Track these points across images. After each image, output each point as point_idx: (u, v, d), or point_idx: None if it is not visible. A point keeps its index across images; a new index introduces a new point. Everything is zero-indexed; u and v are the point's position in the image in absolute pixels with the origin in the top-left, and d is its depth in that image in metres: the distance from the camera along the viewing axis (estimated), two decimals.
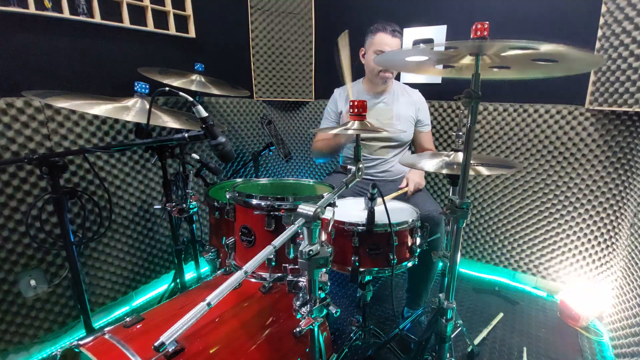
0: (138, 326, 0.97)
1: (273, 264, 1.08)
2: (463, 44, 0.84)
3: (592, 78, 1.72)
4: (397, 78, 2.20)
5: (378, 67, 1.78)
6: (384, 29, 1.73)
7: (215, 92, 1.82)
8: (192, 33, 2.04)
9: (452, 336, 1.19)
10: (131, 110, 1.30)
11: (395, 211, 1.40)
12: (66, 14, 1.51)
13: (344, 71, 1.63)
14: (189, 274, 2.07)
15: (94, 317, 1.78)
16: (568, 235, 1.99)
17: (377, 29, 1.75)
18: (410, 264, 1.33)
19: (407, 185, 1.72)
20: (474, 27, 0.88)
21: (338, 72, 1.61)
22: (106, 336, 0.90)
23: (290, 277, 0.88)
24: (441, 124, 2.23)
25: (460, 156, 1.19)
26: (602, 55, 1.65)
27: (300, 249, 0.80)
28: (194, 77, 1.82)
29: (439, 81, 2.18)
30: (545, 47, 0.76)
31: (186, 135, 1.12)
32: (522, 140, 2.01)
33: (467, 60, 1.02)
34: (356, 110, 1.01)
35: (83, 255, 1.70)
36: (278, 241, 0.76)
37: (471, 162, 1.05)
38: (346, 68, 1.64)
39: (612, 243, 1.87)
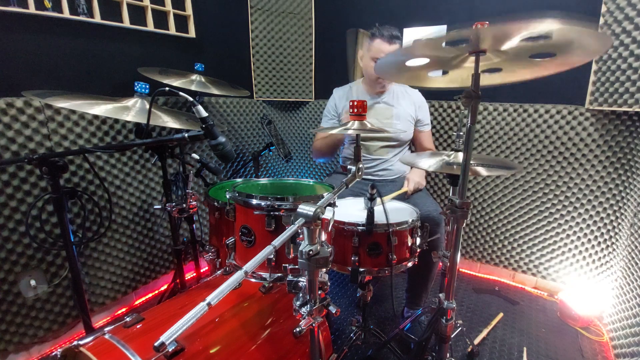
0: (138, 326, 0.97)
1: (273, 264, 1.08)
2: (464, 31, 0.82)
3: (592, 78, 1.72)
4: None
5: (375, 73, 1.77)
6: (381, 35, 1.69)
7: (215, 92, 1.82)
8: (192, 33, 2.04)
9: (452, 336, 1.19)
10: (131, 110, 1.30)
11: (395, 211, 1.40)
12: (66, 14, 1.51)
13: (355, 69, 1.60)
14: (189, 274, 2.07)
15: (94, 317, 1.78)
16: (568, 235, 1.99)
17: (375, 35, 1.72)
18: (410, 264, 1.33)
19: (407, 186, 1.72)
20: (474, 27, 0.88)
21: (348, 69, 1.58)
22: (106, 336, 0.90)
23: (290, 277, 0.88)
24: (441, 124, 2.23)
25: (460, 156, 1.19)
26: (605, 31, 1.60)
27: (300, 249, 0.80)
28: (194, 77, 1.82)
29: None
30: (548, 24, 0.72)
31: (186, 135, 1.12)
32: (522, 140, 2.01)
33: (467, 63, 1.02)
34: (356, 110, 1.01)
35: (83, 255, 1.70)
36: (278, 241, 0.76)
37: (471, 162, 1.05)
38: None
39: (612, 243, 1.87)
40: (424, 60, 1.01)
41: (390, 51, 1.70)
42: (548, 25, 0.73)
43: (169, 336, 0.60)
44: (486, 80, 1.11)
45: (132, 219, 1.88)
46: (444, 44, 0.90)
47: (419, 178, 1.77)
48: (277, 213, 1.04)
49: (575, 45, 0.83)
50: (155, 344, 0.60)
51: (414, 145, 2.04)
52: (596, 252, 1.93)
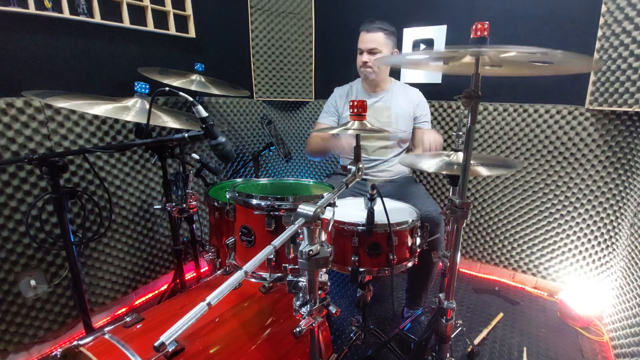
0: (138, 326, 0.97)
1: (273, 264, 1.08)
2: (462, 51, 0.83)
3: (592, 78, 1.72)
4: (397, 77, 2.20)
5: (359, 62, 1.82)
6: (362, 27, 1.80)
7: (215, 92, 1.82)
8: (192, 33, 2.04)
9: (452, 336, 1.19)
10: (131, 110, 1.30)
11: (395, 211, 1.40)
12: (66, 14, 1.51)
13: None
14: (189, 274, 2.07)
15: (93, 317, 1.78)
16: (568, 235, 1.99)
17: (360, 29, 1.82)
18: (410, 264, 1.33)
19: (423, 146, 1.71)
20: (474, 27, 0.88)
21: None
22: (106, 336, 0.90)
23: (290, 277, 0.88)
24: (441, 124, 2.23)
25: (460, 156, 1.19)
26: (598, 59, 1.65)
27: (300, 249, 0.80)
28: (194, 77, 1.82)
29: (439, 81, 2.18)
30: (543, 54, 0.75)
31: (186, 135, 1.12)
32: (522, 140, 2.01)
33: (467, 59, 1.02)
34: (356, 110, 1.01)
35: (83, 255, 1.70)
36: (278, 241, 0.76)
37: (471, 162, 1.05)
38: None
39: (612, 243, 1.87)
40: (424, 56, 1.01)
41: (367, 39, 1.78)
42: (545, 57, 0.75)
43: (169, 336, 0.60)
44: (487, 72, 1.10)
45: (132, 219, 1.88)
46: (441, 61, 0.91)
47: (434, 135, 1.73)
48: (277, 213, 1.04)
49: (570, 62, 0.84)
50: (155, 344, 0.60)
51: (415, 143, 2.04)
52: (596, 252, 1.92)
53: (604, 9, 1.62)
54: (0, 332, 1.45)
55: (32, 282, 1.51)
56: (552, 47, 0.74)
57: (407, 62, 1.23)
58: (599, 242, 1.91)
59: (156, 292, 2.07)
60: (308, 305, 0.84)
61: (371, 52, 1.77)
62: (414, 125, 1.92)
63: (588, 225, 1.92)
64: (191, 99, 1.08)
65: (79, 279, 1.24)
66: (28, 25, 1.44)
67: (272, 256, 1.06)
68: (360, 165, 0.99)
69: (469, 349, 1.59)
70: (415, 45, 2.18)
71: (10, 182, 1.43)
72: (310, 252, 0.79)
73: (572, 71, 0.96)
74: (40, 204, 1.50)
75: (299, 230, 0.79)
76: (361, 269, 1.25)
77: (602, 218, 1.88)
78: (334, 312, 0.88)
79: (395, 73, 2.10)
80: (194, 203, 1.54)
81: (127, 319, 0.98)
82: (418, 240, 1.34)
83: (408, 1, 2.18)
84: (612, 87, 1.65)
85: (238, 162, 2.54)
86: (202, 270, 1.75)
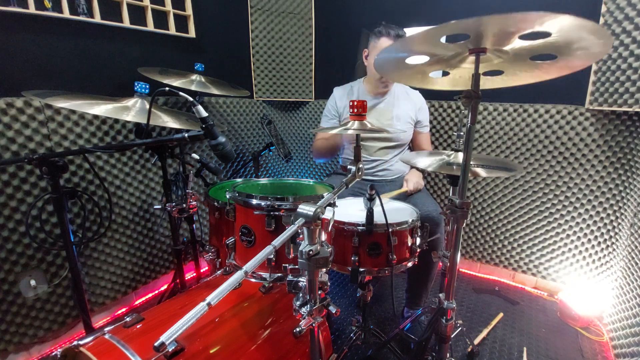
0: (138, 326, 0.97)
1: (273, 264, 1.08)
2: (463, 22, 0.82)
3: (592, 78, 1.72)
4: None
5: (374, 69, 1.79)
6: (387, 34, 1.70)
7: (215, 92, 1.82)
8: (192, 33, 2.04)
9: (452, 336, 1.19)
10: (131, 110, 1.30)
11: (395, 211, 1.40)
12: (66, 14, 1.51)
13: None
14: (189, 274, 2.07)
15: (94, 317, 1.78)
16: (568, 235, 1.99)
17: (381, 33, 1.72)
18: (410, 264, 1.33)
19: (406, 186, 1.73)
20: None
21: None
22: (106, 336, 0.90)
23: (290, 277, 0.88)
24: (441, 124, 2.23)
25: (460, 156, 1.19)
26: (606, 29, 1.59)
27: (300, 249, 0.80)
28: (194, 77, 1.82)
29: None
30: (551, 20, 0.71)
31: (186, 135, 1.12)
32: (522, 140, 2.01)
33: (467, 64, 1.02)
34: (356, 110, 1.01)
35: (83, 255, 1.70)
36: (278, 241, 0.76)
37: (471, 163, 1.05)
38: None
39: (612, 243, 1.86)
40: (424, 58, 1.01)
41: None
42: (549, 22, 0.73)
43: (169, 336, 0.60)
44: (488, 83, 1.11)
45: (132, 219, 1.88)
46: (443, 39, 0.89)
47: (417, 178, 1.78)
48: (277, 213, 1.04)
49: (575, 46, 0.82)
50: (155, 344, 0.60)
51: (412, 146, 2.05)
52: (596, 252, 1.92)
53: (604, 9, 1.62)
54: (0, 332, 1.45)
55: (32, 282, 1.51)
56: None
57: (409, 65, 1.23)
58: (599, 242, 1.91)
59: (156, 292, 2.07)
60: (308, 305, 0.84)
61: None
62: (414, 129, 1.93)
63: (588, 225, 1.92)
64: (191, 99, 1.08)
65: (79, 279, 1.24)
66: (28, 25, 1.44)
67: (272, 256, 1.06)
68: (360, 165, 0.99)
69: (469, 349, 1.59)
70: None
71: (10, 182, 1.43)
72: (310, 252, 0.79)
73: (577, 67, 0.95)
74: (40, 204, 1.50)
75: (299, 230, 0.79)
76: (361, 269, 1.25)
77: (602, 218, 1.88)
78: (334, 312, 0.88)
79: None
80: (194, 203, 1.54)
81: (127, 319, 0.98)
82: (418, 240, 1.34)
83: (408, 1, 2.17)
84: (612, 87, 1.65)
85: (238, 162, 2.54)
86: (202, 270, 1.75)
